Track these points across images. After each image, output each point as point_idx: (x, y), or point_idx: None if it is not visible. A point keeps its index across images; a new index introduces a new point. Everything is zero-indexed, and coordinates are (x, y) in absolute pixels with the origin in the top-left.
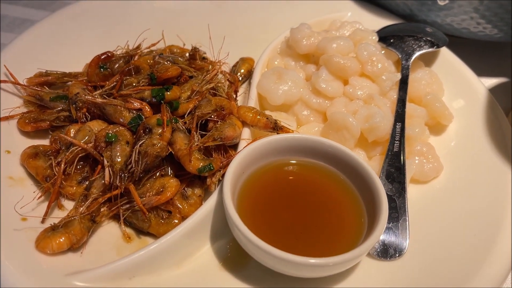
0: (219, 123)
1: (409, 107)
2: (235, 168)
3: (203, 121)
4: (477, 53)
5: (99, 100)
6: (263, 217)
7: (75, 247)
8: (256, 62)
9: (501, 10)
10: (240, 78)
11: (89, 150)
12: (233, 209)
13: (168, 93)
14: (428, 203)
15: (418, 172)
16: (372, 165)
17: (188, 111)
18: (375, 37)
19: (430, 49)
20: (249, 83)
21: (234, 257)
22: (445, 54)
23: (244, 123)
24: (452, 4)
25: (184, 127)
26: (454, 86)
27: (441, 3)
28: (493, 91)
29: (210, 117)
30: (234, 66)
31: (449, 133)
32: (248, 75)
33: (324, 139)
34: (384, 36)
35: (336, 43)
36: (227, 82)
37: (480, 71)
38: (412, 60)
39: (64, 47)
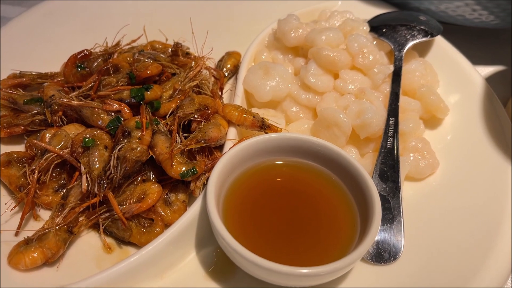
0: (203, 123)
1: (403, 100)
2: (219, 171)
3: (186, 122)
4: (473, 41)
5: (75, 102)
6: (251, 223)
7: (50, 261)
8: (242, 56)
9: None
10: (226, 74)
11: (65, 156)
12: (218, 217)
13: (148, 92)
14: (424, 202)
15: (413, 169)
16: (365, 163)
17: (170, 111)
18: (366, 27)
19: (424, 39)
20: (236, 79)
21: (221, 266)
22: (440, 42)
23: (230, 122)
24: None
25: (165, 129)
26: (450, 77)
27: None
28: (490, 80)
29: (194, 117)
30: (220, 61)
31: (445, 127)
32: (235, 70)
33: (314, 138)
34: (376, 26)
35: (325, 35)
36: (213, 78)
37: (477, 59)
38: (405, 50)
39: (40, 46)
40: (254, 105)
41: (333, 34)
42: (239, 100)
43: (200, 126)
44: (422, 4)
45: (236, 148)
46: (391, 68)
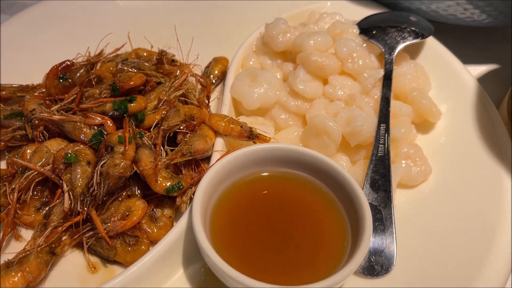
0: (188, 135)
1: (394, 105)
2: (206, 186)
3: (172, 133)
4: (465, 39)
5: (56, 117)
6: (239, 238)
7: (32, 285)
8: (230, 62)
9: None
10: (214, 81)
11: (46, 174)
12: (204, 236)
13: (132, 104)
14: (417, 210)
15: (405, 176)
16: (356, 170)
17: (155, 123)
18: (356, 30)
19: (415, 41)
20: (224, 85)
21: (210, 282)
22: (431, 43)
23: (217, 133)
24: None
25: (150, 142)
26: (442, 78)
27: None
28: (483, 79)
29: (179, 128)
30: (207, 67)
31: (438, 130)
32: (222, 77)
33: (303, 148)
34: (366, 28)
35: (314, 40)
36: (199, 86)
37: (469, 58)
38: (395, 53)
39: (21, 56)
40: (242, 113)
41: (321, 39)
42: (226, 108)
43: (186, 139)
44: (412, 4)
45: (223, 161)
46: (381, 72)
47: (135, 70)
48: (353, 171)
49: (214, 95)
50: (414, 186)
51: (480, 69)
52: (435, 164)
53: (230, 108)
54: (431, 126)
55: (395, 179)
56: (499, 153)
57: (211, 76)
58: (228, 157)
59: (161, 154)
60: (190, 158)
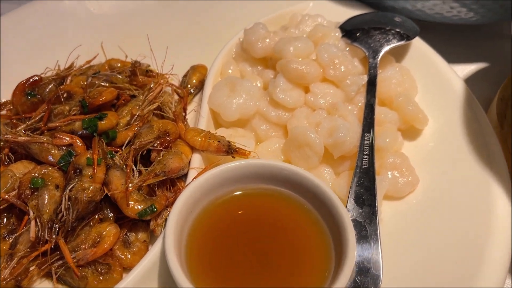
0: (162, 152)
1: (379, 111)
2: (180, 207)
3: (145, 151)
4: (453, 36)
5: (21, 138)
6: (218, 262)
7: None
8: (208, 70)
9: None
10: (192, 90)
11: (11, 201)
12: (177, 264)
13: (103, 122)
14: (404, 224)
15: (391, 188)
16: (340, 183)
17: (127, 141)
18: (338, 33)
19: (399, 43)
20: (202, 95)
21: None
22: (417, 44)
23: (195, 148)
24: None
25: (122, 162)
26: (428, 81)
27: None
28: (472, 78)
29: (153, 146)
30: (185, 76)
31: (425, 137)
32: (201, 86)
33: (282, 164)
34: (350, 30)
35: (294, 46)
36: (176, 97)
37: (457, 56)
38: (379, 57)
39: None
40: (221, 124)
41: (301, 45)
42: (205, 121)
43: (160, 157)
44: (397, 3)
45: (199, 179)
46: (365, 78)
47: (107, 84)
48: (337, 184)
49: (192, 106)
50: (401, 197)
51: (469, 68)
52: (422, 171)
53: (208, 120)
54: (418, 132)
55: (380, 192)
56: (488, 157)
57: (189, 86)
58: (205, 175)
59: (133, 175)
60: (164, 178)
